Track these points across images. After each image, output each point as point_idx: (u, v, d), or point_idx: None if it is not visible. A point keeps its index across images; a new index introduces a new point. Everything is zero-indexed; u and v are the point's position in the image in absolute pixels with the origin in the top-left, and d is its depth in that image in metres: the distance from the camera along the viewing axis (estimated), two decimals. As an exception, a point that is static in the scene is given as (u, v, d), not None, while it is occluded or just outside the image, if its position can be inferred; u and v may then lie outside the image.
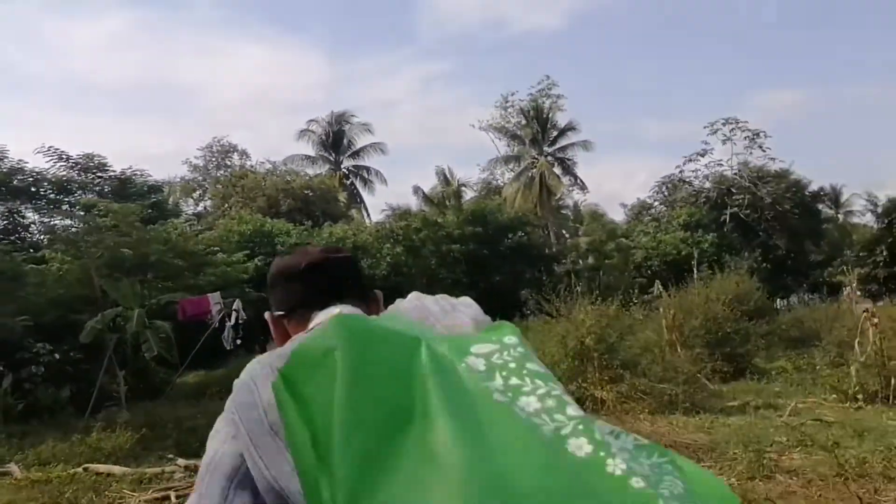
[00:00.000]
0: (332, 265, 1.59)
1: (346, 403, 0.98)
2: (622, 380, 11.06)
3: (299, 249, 1.70)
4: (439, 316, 1.39)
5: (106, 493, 7.93)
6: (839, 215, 50.57)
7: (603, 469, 0.98)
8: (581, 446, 1.01)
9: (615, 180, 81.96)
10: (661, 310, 13.30)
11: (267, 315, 1.64)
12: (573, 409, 1.06)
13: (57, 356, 15.42)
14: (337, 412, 0.97)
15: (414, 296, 1.49)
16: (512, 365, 1.12)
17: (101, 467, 8.86)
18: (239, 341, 15.22)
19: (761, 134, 37.20)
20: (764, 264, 31.66)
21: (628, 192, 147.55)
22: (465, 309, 1.44)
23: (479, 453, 0.95)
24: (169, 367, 17.68)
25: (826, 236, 41.58)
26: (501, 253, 29.59)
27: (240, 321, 14.01)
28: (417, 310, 1.42)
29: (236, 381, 1.34)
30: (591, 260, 34.85)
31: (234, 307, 13.98)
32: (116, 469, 8.77)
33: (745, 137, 37.13)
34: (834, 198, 49.39)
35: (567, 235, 44.29)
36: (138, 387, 16.30)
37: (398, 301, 1.49)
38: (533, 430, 1.01)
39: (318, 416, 0.99)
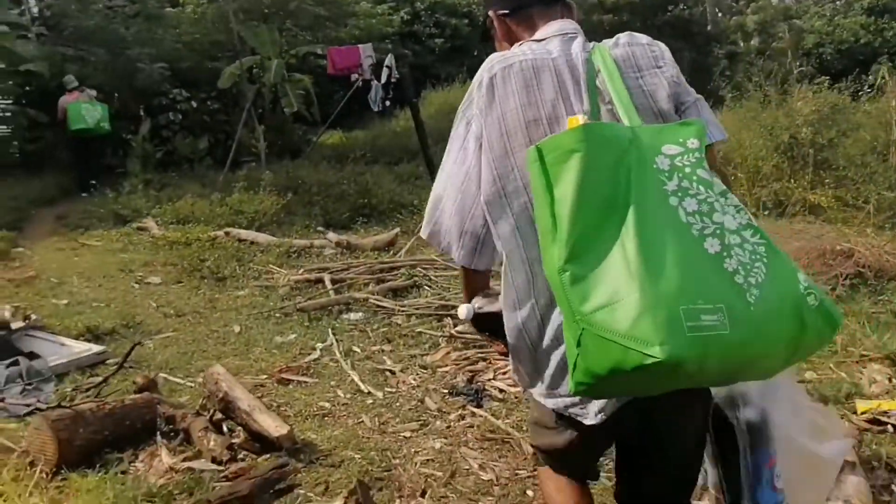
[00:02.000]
0: None
1: (576, 193, 1.39)
2: (842, 184, 9.06)
3: None
4: (645, 71, 1.67)
5: (250, 263, 6.99)
6: None
7: (721, 265, 1.37)
8: (711, 247, 1.39)
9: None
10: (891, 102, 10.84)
11: (490, 12, 1.88)
12: (718, 216, 1.41)
13: (194, 104, 14.57)
14: (570, 196, 1.39)
15: (625, 39, 1.73)
16: (687, 169, 1.45)
17: (244, 233, 7.93)
18: (388, 103, 13.79)
19: None
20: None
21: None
22: (667, 69, 1.69)
23: (650, 253, 1.34)
24: (308, 125, 16.70)
25: None
26: (656, 26, 26.33)
27: (391, 79, 12.45)
28: (630, 59, 1.68)
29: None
30: (755, 42, 30.98)
31: (386, 63, 12.37)
32: (261, 237, 7.83)
33: None
34: None
35: (722, 14, 39.55)
36: (276, 144, 15.40)
37: (609, 43, 1.71)
38: (689, 232, 1.39)
39: (553, 186, 1.42)
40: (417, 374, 4.34)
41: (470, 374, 4.27)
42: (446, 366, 4.44)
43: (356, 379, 4.24)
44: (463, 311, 1.84)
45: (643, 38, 1.74)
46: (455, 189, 1.76)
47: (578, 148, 1.41)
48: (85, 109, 12.03)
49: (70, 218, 9.86)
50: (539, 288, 1.61)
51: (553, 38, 1.71)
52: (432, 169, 11.21)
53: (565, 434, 1.73)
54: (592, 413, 1.62)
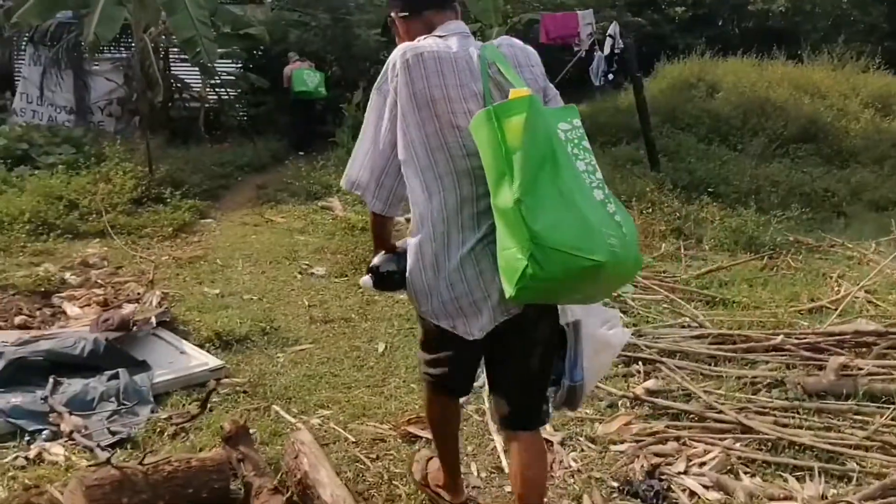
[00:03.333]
0: None
1: (524, 146, 1.89)
2: None
3: None
4: (523, 68, 2.24)
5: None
6: None
7: (606, 208, 1.98)
8: (598, 196, 1.99)
9: None
10: None
11: (392, 14, 2.38)
12: (599, 174, 2.03)
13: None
14: (521, 149, 1.88)
15: (507, 42, 2.31)
16: (575, 140, 2.04)
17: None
18: (610, 76, 12.44)
19: None
20: None
21: None
22: (537, 68, 2.29)
23: (571, 193, 1.91)
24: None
25: None
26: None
27: (615, 50, 11.12)
28: (513, 57, 2.23)
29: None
30: None
31: (609, 31, 11.05)
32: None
33: None
34: None
35: None
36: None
37: (498, 41, 2.30)
38: (584, 182, 1.99)
39: (507, 143, 1.90)
40: (581, 451, 3.27)
41: (653, 460, 3.13)
42: (623, 441, 3.33)
43: (499, 447, 3.25)
44: (366, 280, 2.43)
45: (519, 43, 2.32)
46: (372, 150, 2.26)
47: (525, 111, 1.94)
48: (306, 75, 13.15)
49: (268, 188, 9.61)
50: (453, 226, 2.14)
51: (452, 36, 2.23)
52: (652, 152, 9.83)
53: (449, 349, 2.34)
54: (476, 331, 2.19)
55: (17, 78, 13.98)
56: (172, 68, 14.07)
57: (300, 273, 5.97)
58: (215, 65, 14.61)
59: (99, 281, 5.69)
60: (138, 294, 5.38)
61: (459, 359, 2.38)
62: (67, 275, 5.82)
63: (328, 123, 13.61)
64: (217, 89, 13.78)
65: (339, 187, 8.72)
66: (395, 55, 2.19)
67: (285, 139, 13.72)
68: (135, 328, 4.20)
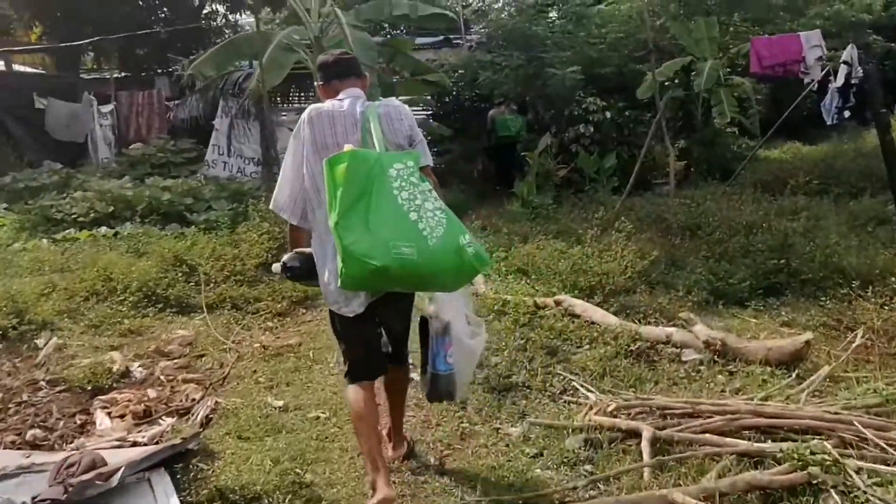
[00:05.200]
0: (344, 60, 3.30)
1: (345, 186, 2.78)
2: None
3: (329, 52, 3.39)
4: (394, 121, 3.14)
5: (562, 363, 4.65)
6: None
7: (418, 225, 2.78)
8: (412, 217, 2.78)
9: None
10: None
11: (317, 83, 3.45)
12: (418, 201, 2.82)
13: (608, 115, 12.37)
14: (341, 188, 2.78)
15: (385, 102, 3.21)
16: (405, 176, 2.86)
17: (580, 305, 5.54)
18: (847, 113, 10.09)
19: None
20: None
21: None
22: (405, 122, 3.18)
23: (376, 217, 2.76)
24: (748, 136, 13.55)
25: None
26: None
27: (852, 80, 8.87)
28: (386, 115, 3.13)
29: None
30: None
31: (843, 57, 8.81)
32: (599, 315, 5.37)
33: None
34: None
35: None
36: (705, 161, 12.62)
37: (379, 102, 3.20)
38: (401, 208, 2.79)
39: (335, 183, 2.80)
40: None
41: None
42: None
43: None
44: (276, 267, 3.40)
45: (395, 102, 3.26)
46: (290, 180, 3.15)
47: (346, 161, 2.83)
48: (511, 121, 13.04)
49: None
50: (326, 235, 2.96)
51: (346, 99, 3.18)
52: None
53: (347, 328, 3.21)
54: (353, 309, 3.11)
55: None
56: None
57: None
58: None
59: (162, 377, 4.73)
60: (193, 401, 4.35)
61: (362, 333, 3.24)
62: (135, 366, 4.94)
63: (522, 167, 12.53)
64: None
65: (492, 254, 7.48)
66: (305, 112, 3.17)
67: (471, 189, 12.70)
68: (101, 481, 3.05)
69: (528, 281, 6.43)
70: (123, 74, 19.85)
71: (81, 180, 11.31)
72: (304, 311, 6.23)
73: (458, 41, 16.97)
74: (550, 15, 14.86)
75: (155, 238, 7.97)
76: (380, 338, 3.33)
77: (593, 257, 6.48)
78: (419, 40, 17.08)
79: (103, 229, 8.78)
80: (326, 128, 3.07)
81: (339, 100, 3.16)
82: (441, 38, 17.59)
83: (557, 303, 5.56)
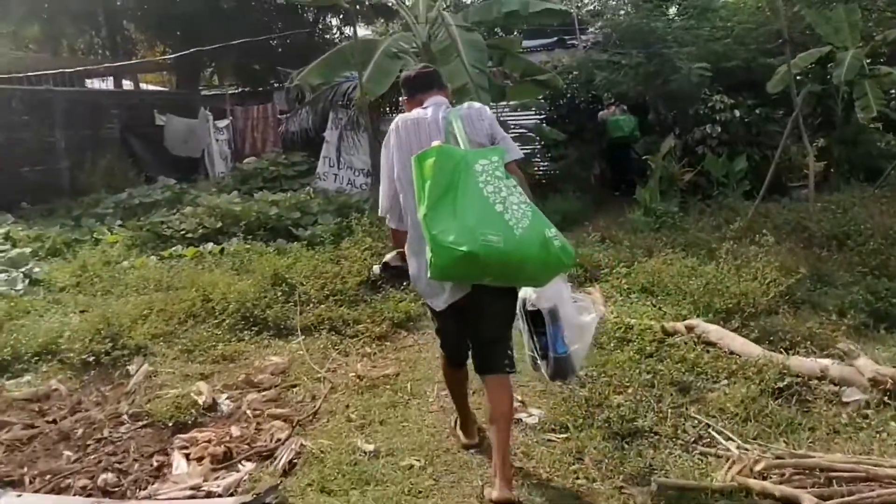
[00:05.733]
0: (425, 74, 3.58)
1: (433, 179, 2.94)
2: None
3: (413, 68, 3.72)
4: (475, 122, 3.30)
5: (695, 405, 3.98)
6: None
7: (504, 216, 2.91)
8: (498, 208, 2.91)
9: None
10: None
11: (402, 98, 3.74)
12: (504, 193, 2.95)
13: (737, 113, 11.39)
14: (430, 179, 2.95)
15: (467, 105, 3.42)
16: (490, 170, 2.99)
17: (715, 332, 4.82)
18: None
19: None
20: None
21: None
22: (486, 122, 3.34)
23: (462, 208, 2.90)
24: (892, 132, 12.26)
25: None
26: None
27: None
28: (468, 117, 3.30)
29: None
30: None
31: None
32: (738, 343, 4.65)
33: None
34: None
35: None
36: (846, 161, 11.46)
37: (463, 105, 3.42)
38: (487, 200, 2.92)
39: (423, 177, 2.98)
40: None
41: None
42: None
43: None
44: (376, 269, 3.83)
45: (476, 105, 3.43)
46: (387, 187, 3.43)
47: (433, 156, 3.01)
48: (623, 122, 12.51)
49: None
50: (418, 234, 3.14)
51: (430, 107, 3.39)
52: None
53: (440, 319, 3.45)
54: (441, 303, 3.29)
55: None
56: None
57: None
58: (512, 117, 13.53)
59: (249, 412, 4.36)
60: (277, 441, 3.93)
61: (446, 328, 3.49)
62: (222, 398, 4.59)
63: (639, 172, 11.80)
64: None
65: (615, 262, 6.81)
66: (394, 122, 3.42)
67: (588, 196, 12.01)
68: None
69: (655, 302, 5.73)
70: (241, 89, 20.22)
71: (194, 196, 11.32)
72: (406, 333, 5.76)
73: (573, 42, 16.28)
74: (670, 11, 14.01)
75: (258, 254, 7.71)
76: (463, 337, 3.47)
77: (729, 275, 5.71)
78: (531, 42, 16.51)
79: (210, 245, 8.63)
80: (412, 134, 3.31)
81: (424, 108, 3.42)
82: (554, 39, 16.95)
83: (689, 328, 4.87)
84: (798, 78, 11.46)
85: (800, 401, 3.93)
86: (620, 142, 12.59)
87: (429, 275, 2.99)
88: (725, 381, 4.21)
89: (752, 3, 13.60)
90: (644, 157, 11.34)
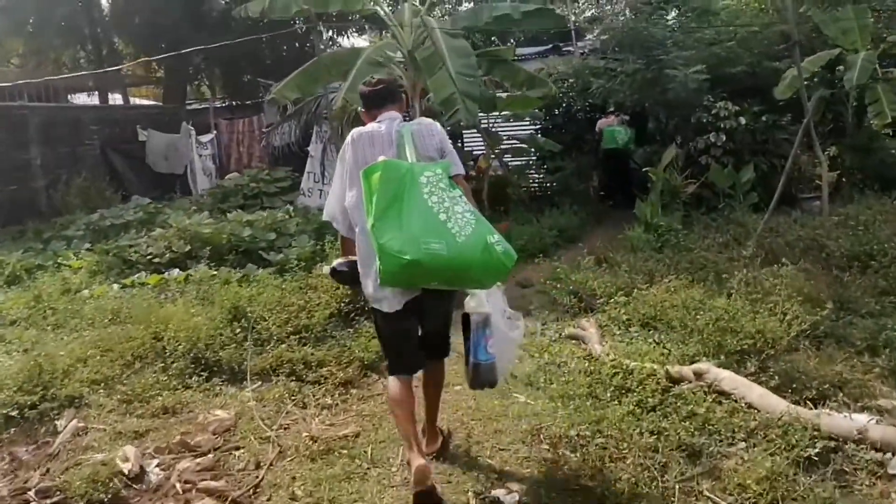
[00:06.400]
0: (381, 90, 3.68)
1: (379, 191, 3.14)
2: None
3: (367, 82, 3.80)
4: (425, 137, 3.52)
5: (692, 477, 3.30)
6: None
7: (447, 224, 3.13)
8: (441, 217, 3.14)
9: None
10: None
11: (360, 110, 3.80)
12: (447, 203, 3.18)
13: (742, 120, 10.71)
14: (376, 193, 3.15)
15: (418, 121, 3.65)
16: (434, 182, 3.23)
17: (729, 378, 4.11)
18: None
19: None
20: None
21: None
22: (436, 137, 3.56)
23: (407, 218, 3.11)
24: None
25: None
26: None
27: None
28: (419, 132, 3.52)
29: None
30: None
31: None
32: (757, 394, 3.95)
33: None
34: None
35: None
36: (859, 170, 10.79)
37: (413, 121, 3.64)
38: (431, 210, 3.15)
39: (371, 190, 3.17)
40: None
41: None
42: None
43: None
44: (325, 269, 4.67)
45: (426, 120, 3.68)
46: (338, 197, 3.59)
47: (379, 170, 3.20)
48: (616, 132, 12.06)
49: (525, 288, 7.20)
50: (367, 243, 3.30)
51: (384, 121, 3.57)
52: None
53: (387, 325, 3.57)
54: (392, 306, 3.45)
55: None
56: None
57: (476, 497, 3.40)
58: (503, 129, 12.87)
59: (178, 485, 3.69)
60: (203, 527, 3.26)
61: (398, 330, 3.58)
62: (152, 465, 3.92)
63: (635, 185, 11.15)
64: (503, 158, 11.78)
65: (610, 291, 6.14)
66: (349, 135, 3.58)
67: (585, 210, 11.36)
68: None
69: (657, 338, 5.04)
70: (227, 103, 19.61)
71: (168, 216, 10.66)
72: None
73: (568, 49, 15.63)
74: (669, 16, 13.36)
75: (223, 283, 7.05)
76: (416, 336, 3.63)
77: (743, 309, 5.02)
78: (526, 50, 15.86)
79: (176, 272, 7.97)
80: (367, 147, 3.47)
81: (378, 122, 3.60)
82: (549, 46, 16.31)
83: (698, 375, 4.19)
84: (805, 83, 10.82)
85: (836, 473, 3.25)
86: (614, 153, 12.08)
87: (379, 281, 3.26)
88: (743, 444, 3.53)
89: (756, 4, 12.98)
90: (644, 169, 10.66)
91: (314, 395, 4.78)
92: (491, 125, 12.16)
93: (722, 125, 10.67)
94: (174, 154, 15.36)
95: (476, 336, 3.45)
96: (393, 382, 3.53)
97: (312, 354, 5.29)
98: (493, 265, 3.19)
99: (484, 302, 3.47)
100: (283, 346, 5.42)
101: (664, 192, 10.12)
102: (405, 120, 3.66)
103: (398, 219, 3.10)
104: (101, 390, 5.03)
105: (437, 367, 3.77)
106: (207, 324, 5.70)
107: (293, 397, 4.76)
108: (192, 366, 5.25)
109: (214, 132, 15.88)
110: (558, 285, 6.57)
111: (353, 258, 3.58)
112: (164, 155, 15.46)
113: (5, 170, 13.34)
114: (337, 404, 4.65)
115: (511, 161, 12.37)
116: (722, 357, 4.46)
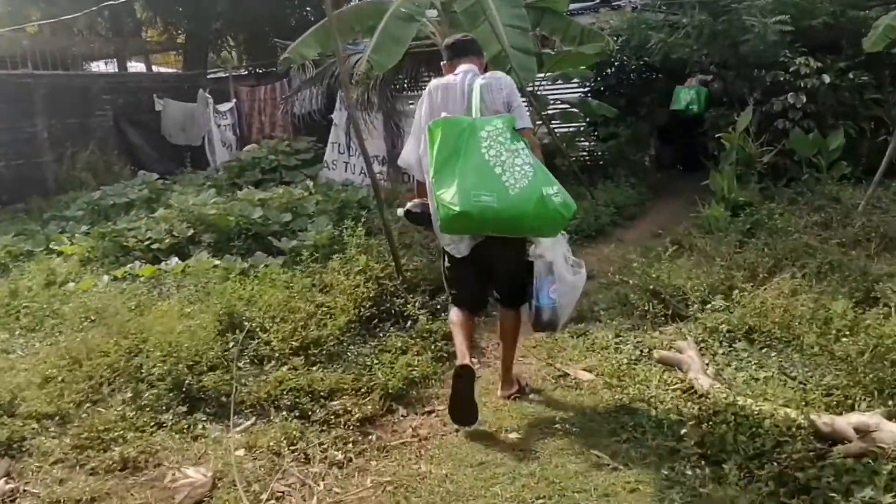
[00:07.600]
0: (462, 42, 3.93)
1: (439, 146, 3.48)
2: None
3: (454, 36, 4.06)
4: (494, 91, 3.63)
5: None
6: None
7: (502, 178, 3.35)
8: (497, 171, 3.36)
9: None
10: None
11: (442, 63, 3.97)
12: (504, 157, 3.38)
13: (826, 79, 9.22)
14: (436, 147, 3.48)
15: (490, 75, 3.77)
16: (494, 136, 3.44)
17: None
18: None
19: None
20: None
21: None
22: (504, 91, 3.66)
23: (462, 171, 3.39)
24: None
25: None
26: None
27: None
28: (488, 86, 3.65)
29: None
30: None
31: None
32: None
33: None
34: None
35: None
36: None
37: (486, 75, 3.77)
38: (487, 163, 3.38)
39: (432, 144, 3.51)
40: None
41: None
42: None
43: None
44: (399, 211, 4.09)
45: (498, 74, 3.80)
46: (413, 144, 3.85)
47: (440, 126, 3.49)
48: (685, 92, 10.39)
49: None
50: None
51: (460, 73, 3.74)
52: None
53: (454, 268, 3.85)
54: (459, 250, 3.74)
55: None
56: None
57: None
58: (549, 91, 11.51)
59: None
60: None
61: (464, 275, 3.84)
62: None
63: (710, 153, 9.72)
64: (551, 123, 10.40)
65: (706, 303, 4.83)
66: (429, 85, 3.82)
67: (644, 183, 10.04)
68: None
69: (778, 359, 3.76)
70: (249, 70, 18.44)
71: (176, 193, 9.54)
72: (405, 413, 3.90)
73: (619, 3, 14.12)
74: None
75: (223, 277, 5.91)
76: (481, 280, 3.86)
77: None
78: (574, 5, 14.38)
79: (174, 261, 6.84)
80: (441, 98, 3.71)
81: (455, 74, 3.79)
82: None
83: (862, 431, 2.91)
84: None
85: None
86: (680, 117, 10.63)
87: (439, 229, 3.59)
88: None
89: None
90: (717, 136, 9.25)
91: (320, 444, 3.57)
92: (536, 88, 10.80)
93: (802, 84, 9.21)
94: (191, 124, 14.26)
95: (539, 281, 3.67)
96: (454, 310, 3.87)
97: (322, 380, 4.09)
98: (549, 216, 3.40)
99: (547, 249, 3.68)
100: (286, 367, 4.25)
101: (739, 161, 8.76)
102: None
103: (453, 172, 3.41)
104: (53, 428, 3.91)
105: (508, 315, 3.91)
106: (193, 337, 4.54)
107: (293, 446, 3.56)
108: (170, 394, 4.09)
109: (234, 100, 14.69)
110: (631, 281, 5.28)
111: (426, 200, 3.78)
112: (181, 125, 14.36)
113: (8, 143, 12.33)
114: (350, 459, 3.44)
115: (558, 127, 10.98)
116: (890, 400, 3.15)
